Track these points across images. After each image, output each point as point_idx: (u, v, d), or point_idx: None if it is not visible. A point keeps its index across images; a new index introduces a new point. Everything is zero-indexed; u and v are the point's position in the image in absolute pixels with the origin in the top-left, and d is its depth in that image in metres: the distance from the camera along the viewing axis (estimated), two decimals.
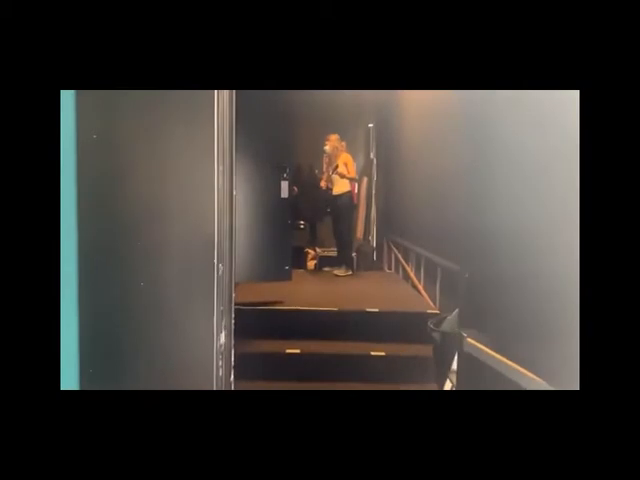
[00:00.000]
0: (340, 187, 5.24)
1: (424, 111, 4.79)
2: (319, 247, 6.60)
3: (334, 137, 5.36)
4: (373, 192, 7.14)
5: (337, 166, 5.16)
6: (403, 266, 5.47)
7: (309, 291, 4.48)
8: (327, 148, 5.36)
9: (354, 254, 5.63)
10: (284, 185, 3.83)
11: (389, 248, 6.56)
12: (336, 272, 5.32)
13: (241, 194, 3.68)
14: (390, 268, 6.27)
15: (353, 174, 5.30)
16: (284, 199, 3.83)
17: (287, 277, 3.89)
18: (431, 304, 3.98)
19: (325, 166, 5.61)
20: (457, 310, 3.11)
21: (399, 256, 5.71)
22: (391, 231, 6.52)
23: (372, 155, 7.36)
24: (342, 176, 5.15)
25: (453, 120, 3.72)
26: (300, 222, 6.91)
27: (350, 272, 5.32)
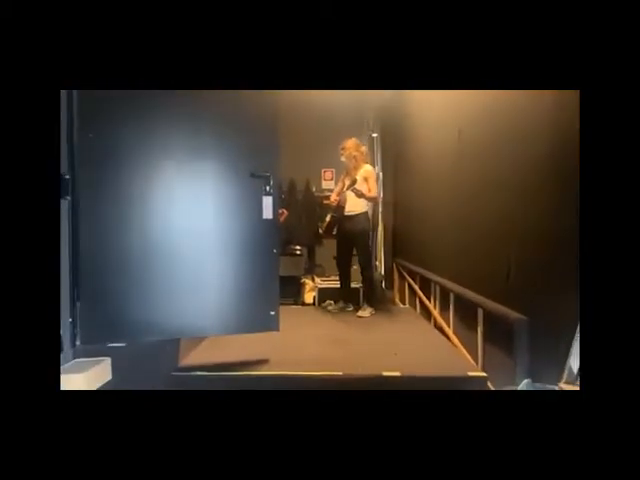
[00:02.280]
0: (355, 205, 4.11)
1: (436, 119, 4.00)
2: (318, 276, 5.49)
3: (351, 143, 4.22)
4: (380, 210, 6.08)
5: (355, 181, 4.00)
6: (421, 300, 4.36)
7: (304, 342, 3.34)
8: (344, 159, 4.21)
9: (360, 285, 4.50)
10: (267, 201, 2.74)
11: (400, 276, 5.47)
12: (360, 313, 4.18)
13: (210, 213, 2.61)
14: (404, 301, 5.16)
15: (374, 192, 4.14)
16: (268, 220, 2.73)
17: (273, 326, 2.77)
18: (471, 361, 2.85)
19: (342, 176, 4.38)
20: (527, 382, 2.02)
21: (415, 287, 4.61)
22: (403, 256, 5.45)
23: (377, 169, 6.33)
24: (360, 195, 4.00)
25: (469, 129, 3.08)
26: (296, 247, 5.84)
27: (374, 312, 4.21)
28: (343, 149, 4.21)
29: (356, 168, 4.14)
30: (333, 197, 4.30)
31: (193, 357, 2.91)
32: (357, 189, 3.97)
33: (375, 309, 4.24)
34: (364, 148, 4.31)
